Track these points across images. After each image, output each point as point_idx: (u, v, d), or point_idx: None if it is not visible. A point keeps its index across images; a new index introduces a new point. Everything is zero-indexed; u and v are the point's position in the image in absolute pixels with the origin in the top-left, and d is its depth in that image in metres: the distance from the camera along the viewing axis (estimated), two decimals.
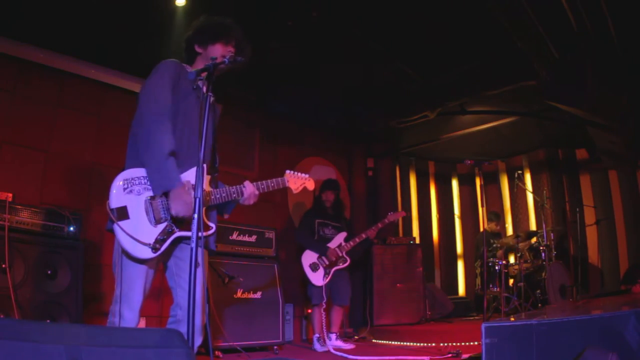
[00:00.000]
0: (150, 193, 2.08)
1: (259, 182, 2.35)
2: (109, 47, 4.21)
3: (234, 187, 2.27)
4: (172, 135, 2.08)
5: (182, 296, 2.16)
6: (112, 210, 2.00)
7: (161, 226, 2.07)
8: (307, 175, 2.48)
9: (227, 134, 5.10)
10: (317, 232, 4.87)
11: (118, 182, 2.05)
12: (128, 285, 2.04)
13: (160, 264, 2.20)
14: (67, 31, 3.96)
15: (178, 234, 2.09)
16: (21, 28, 3.83)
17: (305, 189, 2.47)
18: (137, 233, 2.01)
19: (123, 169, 2.14)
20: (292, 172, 2.46)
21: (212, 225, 2.21)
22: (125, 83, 4.45)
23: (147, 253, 2.02)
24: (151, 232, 2.04)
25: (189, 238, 1.87)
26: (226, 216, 2.44)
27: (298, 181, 2.45)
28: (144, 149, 2.04)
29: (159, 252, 2.04)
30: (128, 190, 2.05)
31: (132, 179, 2.07)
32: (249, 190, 2.29)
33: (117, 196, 2.03)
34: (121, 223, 2.00)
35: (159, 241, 2.05)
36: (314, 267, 4.68)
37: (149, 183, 2.08)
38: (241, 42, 2.37)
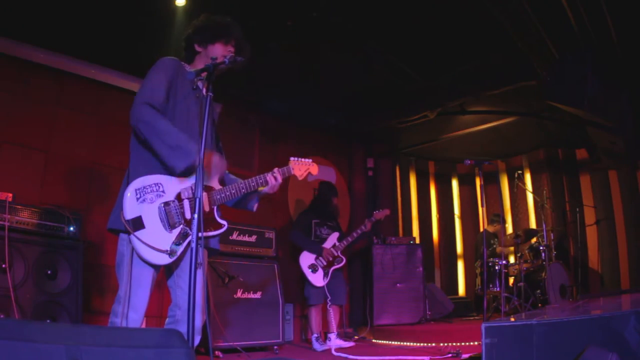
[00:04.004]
0: (164, 199, 2.08)
1: (275, 170, 2.35)
2: (109, 47, 4.20)
3: (243, 182, 2.26)
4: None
5: (180, 296, 2.16)
6: (127, 221, 2.00)
7: (176, 231, 2.07)
8: (310, 160, 2.46)
9: (227, 134, 5.06)
10: (314, 233, 4.88)
11: (130, 193, 2.04)
12: (135, 286, 2.04)
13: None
14: (66, 31, 3.96)
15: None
16: (21, 28, 3.83)
17: (309, 174, 2.46)
18: (154, 241, 2.02)
19: (127, 172, 2.14)
20: (296, 158, 2.44)
21: (224, 223, 2.21)
22: (125, 83, 4.45)
23: (164, 259, 2.04)
24: (167, 238, 2.05)
25: (199, 239, 1.86)
26: (255, 208, 2.43)
27: (302, 167, 2.43)
28: (152, 138, 2.03)
29: (175, 257, 2.05)
30: (141, 200, 2.05)
31: (144, 187, 2.07)
32: (279, 178, 2.32)
33: (130, 207, 2.03)
34: (137, 233, 2.00)
35: (175, 246, 2.06)
36: (313, 268, 4.69)
37: (161, 189, 2.08)
38: (241, 41, 2.37)
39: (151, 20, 3.89)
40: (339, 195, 5.53)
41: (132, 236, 2.00)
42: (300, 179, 2.45)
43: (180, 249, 2.07)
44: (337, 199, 5.19)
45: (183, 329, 1.75)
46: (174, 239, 2.06)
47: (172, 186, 2.11)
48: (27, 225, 3.25)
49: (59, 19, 3.83)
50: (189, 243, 2.09)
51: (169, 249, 2.04)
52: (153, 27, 3.93)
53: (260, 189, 2.32)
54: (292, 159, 2.44)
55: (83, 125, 4.29)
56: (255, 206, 2.44)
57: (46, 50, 4.02)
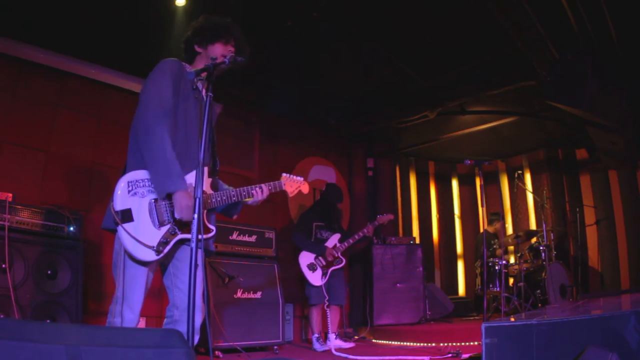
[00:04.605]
0: (155, 195, 2.08)
1: (265, 184, 2.37)
2: (109, 47, 4.20)
3: (235, 190, 2.27)
4: (171, 136, 2.08)
5: (178, 296, 2.16)
6: (116, 212, 2.00)
7: (164, 228, 2.07)
8: (302, 179, 2.50)
9: (226, 134, 5.09)
10: (315, 235, 4.88)
11: (122, 185, 2.05)
12: (129, 286, 2.03)
13: (158, 264, 2.20)
14: (67, 31, 3.96)
15: (180, 236, 2.09)
16: (21, 28, 3.83)
17: (300, 192, 2.49)
18: (141, 235, 2.01)
19: (124, 170, 2.14)
20: (288, 175, 2.47)
21: (213, 227, 2.21)
22: (125, 83, 4.45)
23: (150, 255, 2.03)
24: (154, 235, 2.05)
25: (190, 240, 1.87)
26: (235, 217, 2.45)
27: (294, 184, 2.47)
28: (146, 151, 2.03)
29: (162, 255, 2.05)
30: (132, 193, 2.05)
31: (137, 181, 2.07)
32: (265, 193, 2.33)
33: (121, 198, 2.03)
34: (125, 225, 2.00)
35: (162, 244, 2.05)
36: (311, 267, 4.69)
37: (152, 185, 2.08)
38: (240, 41, 2.37)
39: (151, 20, 3.89)
40: None
41: (119, 227, 2.00)
42: (291, 195, 2.48)
43: (167, 247, 2.06)
44: (342, 204, 5.17)
45: (181, 328, 1.75)
46: (161, 236, 2.05)
47: None
48: (27, 225, 3.25)
49: (59, 19, 3.83)
50: (176, 242, 2.09)
51: (155, 246, 2.03)
52: (153, 27, 3.93)
53: (248, 199, 2.33)
54: (284, 175, 2.46)
55: (83, 125, 4.29)
56: (238, 213, 2.45)
57: (46, 50, 4.02)
